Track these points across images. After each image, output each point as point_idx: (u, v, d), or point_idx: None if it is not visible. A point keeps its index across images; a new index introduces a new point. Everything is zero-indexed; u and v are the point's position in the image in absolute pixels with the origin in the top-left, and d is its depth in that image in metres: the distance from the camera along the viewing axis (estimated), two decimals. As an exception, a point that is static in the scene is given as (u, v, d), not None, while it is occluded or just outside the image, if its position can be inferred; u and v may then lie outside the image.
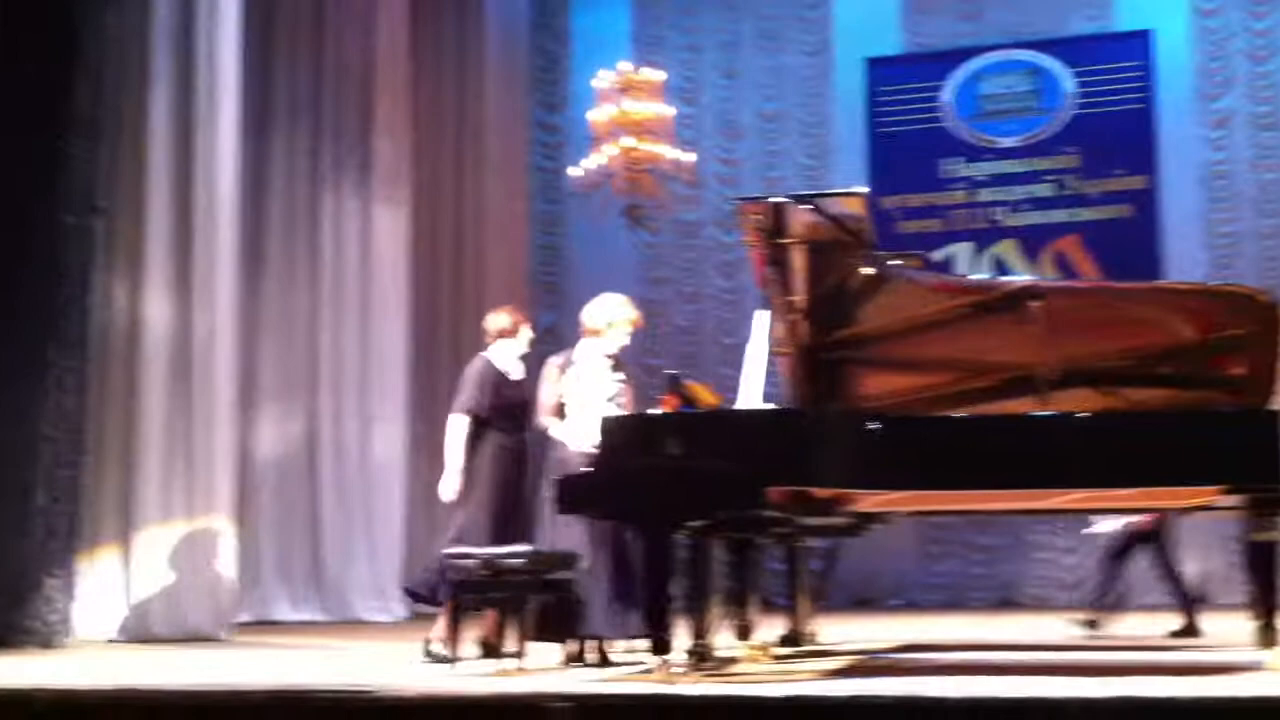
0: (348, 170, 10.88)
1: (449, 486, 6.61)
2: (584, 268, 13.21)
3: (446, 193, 12.26)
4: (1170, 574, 8.18)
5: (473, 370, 6.81)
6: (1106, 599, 8.21)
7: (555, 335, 13.32)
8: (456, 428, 6.66)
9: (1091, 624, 8.04)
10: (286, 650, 7.47)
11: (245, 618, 9.43)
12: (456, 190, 12.32)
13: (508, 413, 6.71)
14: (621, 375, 6.46)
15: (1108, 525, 8.20)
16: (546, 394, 6.48)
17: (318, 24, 10.83)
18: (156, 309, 8.52)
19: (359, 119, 10.96)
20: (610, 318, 6.44)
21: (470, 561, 5.93)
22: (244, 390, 9.79)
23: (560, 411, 6.43)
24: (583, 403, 6.34)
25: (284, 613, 10.12)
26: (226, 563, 8.49)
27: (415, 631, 8.66)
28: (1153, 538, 8.11)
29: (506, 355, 6.86)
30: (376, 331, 10.86)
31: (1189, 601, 8.02)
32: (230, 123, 8.89)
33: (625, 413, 6.19)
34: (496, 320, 6.96)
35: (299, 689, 4.97)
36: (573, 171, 11.46)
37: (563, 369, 6.49)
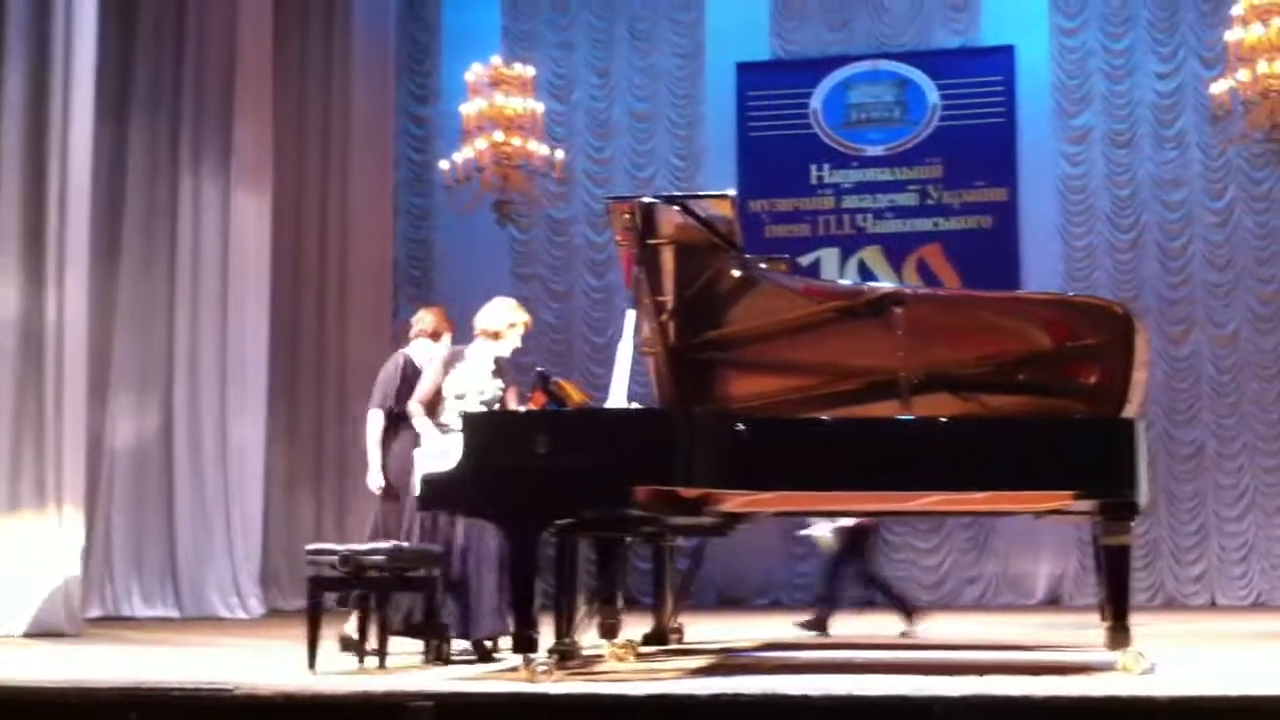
0: (208, 157, 10.65)
1: (372, 480, 6.74)
2: (452, 262, 13.12)
3: (311, 182, 12.07)
4: (868, 574, 8.47)
5: (388, 366, 6.92)
6: (829, 599, 8.37)
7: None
8: (372, 423, 6.80)
9: (814, 624, 8.19)
10: (140, 646, 7.29)
11: (96, 613, 9.19)
12: (321, 180, 12.14)
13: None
14: (500, 381, 6.43)
15: (824, 528, 8.37)
16: (426, 383, 6.47)
17: (179, 8, 10.58)
18: (5, 295, 8.25)
19: (220, 106, 10.73)
20: (509, 320, 6.47)
21: (329, 558, 5.86)
22: (98, 379, 9.54)
23: (434, 405, 6.41)
24: (460, 402, 6.30)
25: (137, 609, 9.87)
26: (76, 556, 8.25)
27: (272, 629, 8.56)
28: (861, 539, 8.33)
29: (424, 354, 6.87)
30: (236, 321, 10.64)
31: (893, 597, 8.41)
32: (86, 107, 8.63)
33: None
34: (422, 320, 7.09)
35: (154, 686, 4.85)
36: (443, 165, 11.37)
37: (449, 365, 6.46)
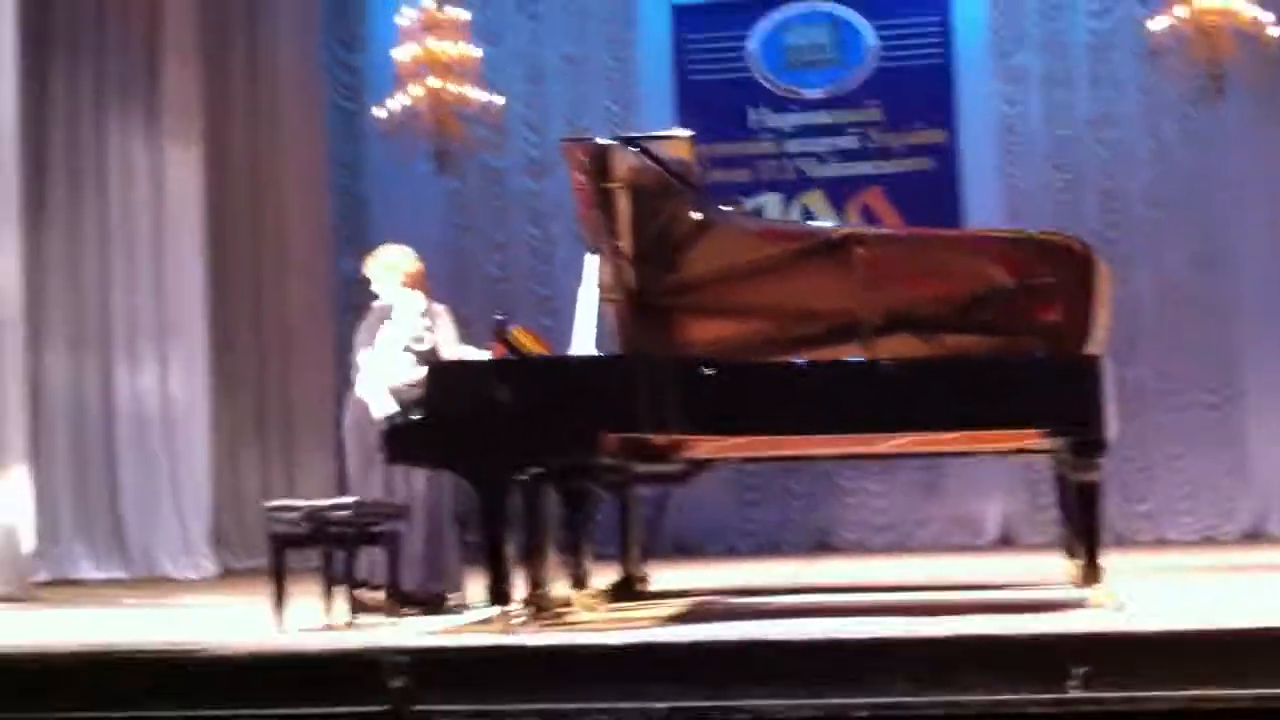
0: (135, 108, 10.37)
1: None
2: (387, 214, 12.87)
3: (240, 132, 11.76)
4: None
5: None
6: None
7: (359, 282, 13.01)
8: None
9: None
10: (95, 608, 7.14)
11: (43, 576, 8.99)
12: (251, 129, 11.84)
13: None
14: (427, 323, 6.37)
15: None
16: (362, 337, 6.49)
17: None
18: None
19: (145, 53, 10.43)
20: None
21: (292, 514, 5.74)
22: (31, 337, 9.28)
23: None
24: (387, 350, 6.35)
25: (84, 571, 9.68)
26: (23, 517, 8.06)
27: (228, 589, 8.42)
28: None
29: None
30: (174, 274, 10.39)
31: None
32: (8, 46, 8.36)
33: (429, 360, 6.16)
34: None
35: (118, 648, 4.73)
36: (377, 112, 11.13)
37: (381, 316, 6.40)
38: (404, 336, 6.37)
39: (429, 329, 6.41)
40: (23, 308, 8.48)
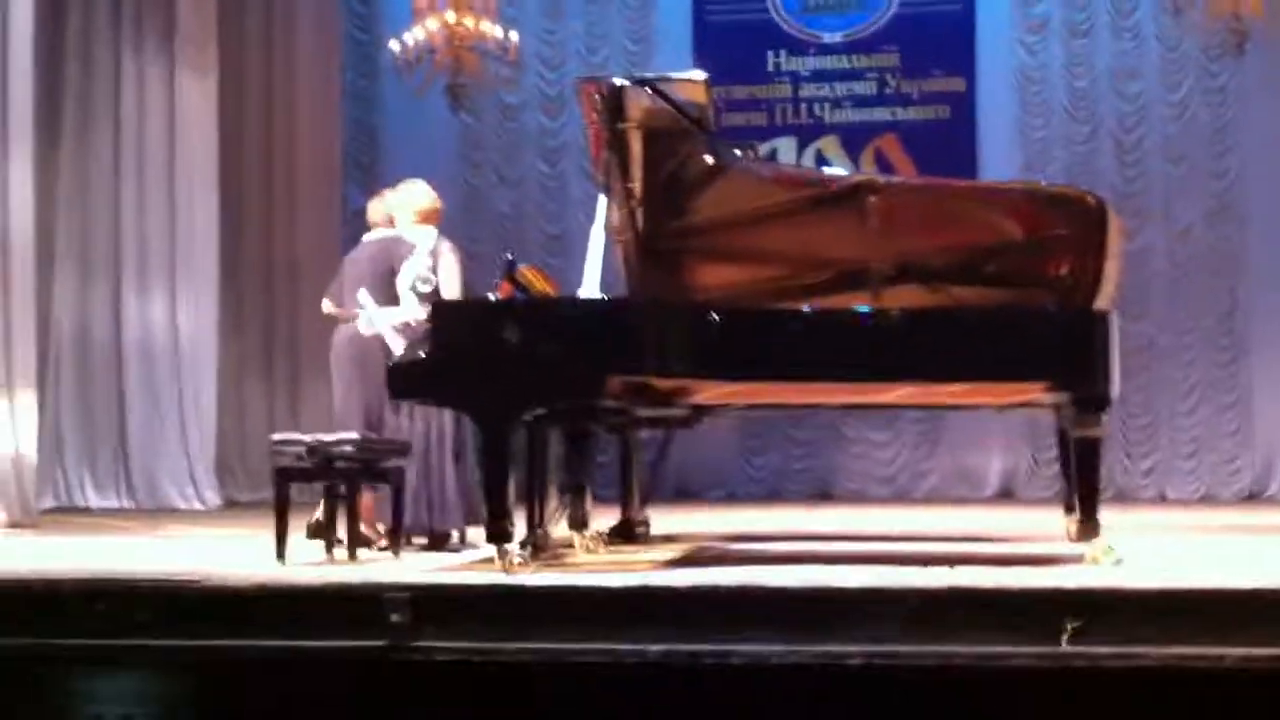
0: (149, 34, 10.33)
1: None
2: (400, 148, 12.84)
3: (255, 62, 11.74)
4: None
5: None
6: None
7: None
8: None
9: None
10: (99, 536, 7.20)
11: (49, 503, 9.06)
12: (265, 60, 11.81)
13: None
14: (429, 262, 6.39)
15: None
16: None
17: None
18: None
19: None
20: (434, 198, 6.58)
21: (296, 448, 5.77)
22: (42, 263, 9.30)
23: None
24: (412, 294, 6.40)
25: (90, 499, 9.75)
26: (29, 443, 8.11)
27: (232, 520, 8.48)
28: None
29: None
30: (184, 205, 10.40)
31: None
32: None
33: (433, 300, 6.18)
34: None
35: (121, 576, 4.77)
36: (393, 46, 11.07)
37: (401, 258, 6.54)
38: (410, 275, 6.37)
39: (432, 269, 6.39)
40: (34, 236, 8.49)
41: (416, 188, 6.66)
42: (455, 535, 6.29)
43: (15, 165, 8.15)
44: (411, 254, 6.45)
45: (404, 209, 6.57)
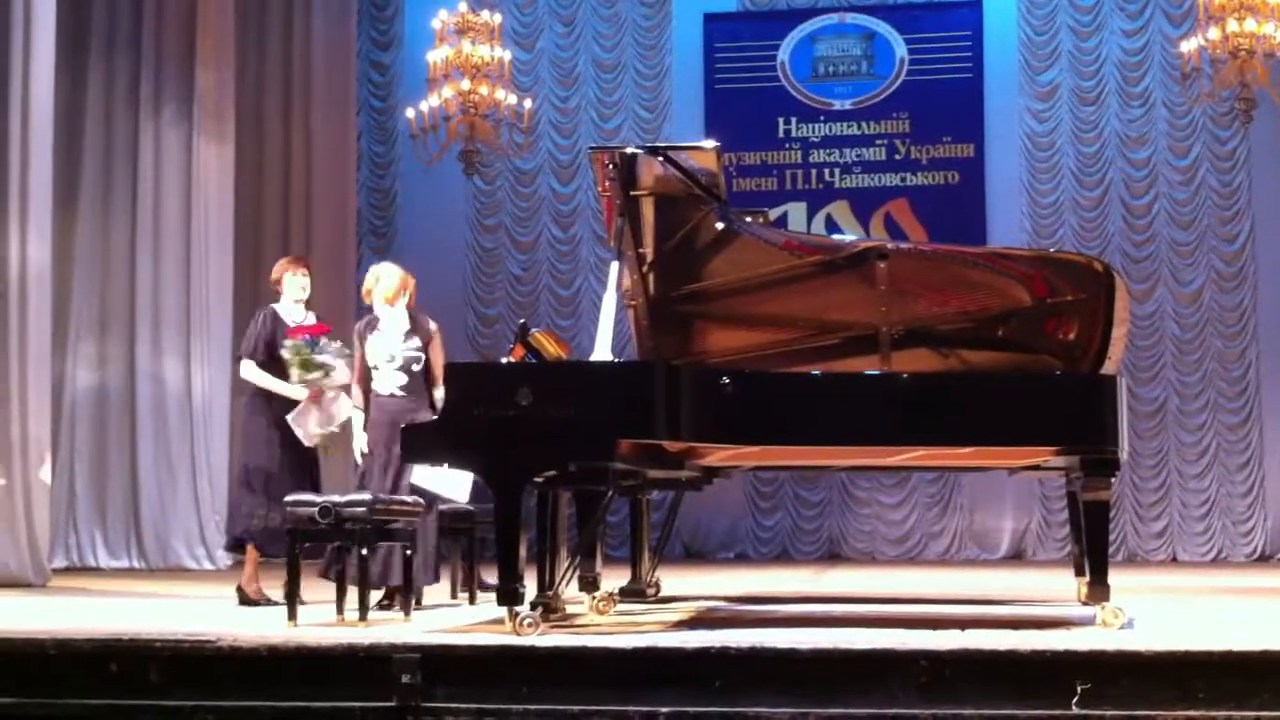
0: (168, 102, 10.49)
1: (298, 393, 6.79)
2: (415, 212, 13.00)
3: (273, 129, 11.92)
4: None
5: (259, 318, 7.05)
6: None
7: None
8: (252, 369, 6.92)
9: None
10: (111, 598, 7.21)
11: (60, 563, 9.08)
12: (284, 126, 11.99)
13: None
14: (416, 341, 6.61)
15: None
16: (354, 364, 6.74)
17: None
18: (-34, 239, 8.10)
19: (180, 50, 10.56)
20: (403, 280, 6.74)
21: (309, 509, 5.79)
22: (58, 326, 9.40)
23: (365, 376, 6.66)
24: (378, 371, 6.61)
25: (101, 559, 9.78)
26: (42, 505, 8.15)
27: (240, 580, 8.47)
28: None
29: (287, 305, 7.04)
30: (199, 270, 10.51)
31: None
32: (47, 44, 8.48)
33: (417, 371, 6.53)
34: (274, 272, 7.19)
35: (135, 636, 4.79)
36: (409, 113, 11.23)
37: (363, 335, 6.69)
38: (380, 351, 6.51)
39: (405, 345, 6.53)
40: (51, 299, 8.57)
41: (382, 269, 6.80)
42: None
43: (33, 230, 8.26)
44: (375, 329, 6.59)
45: (373, 289, 6.70)
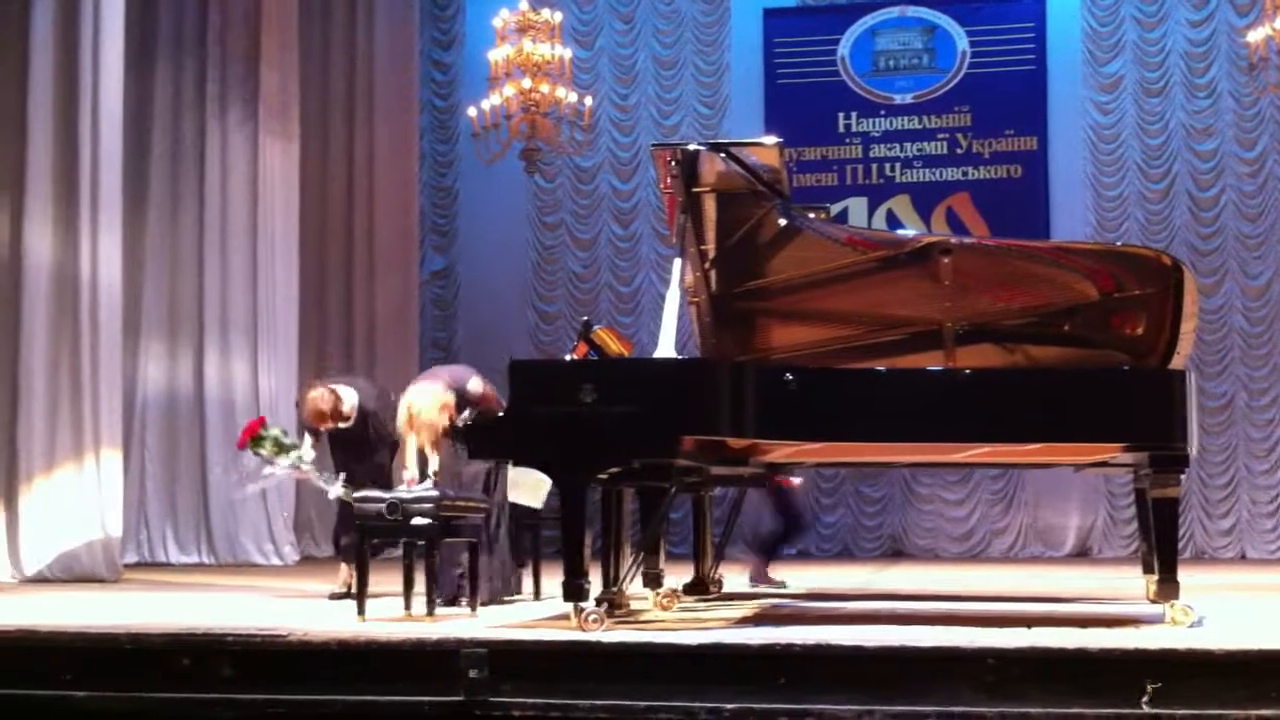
0: (234, 103, 10.60)
1: None
2: (476, 210, 13.08)
3: (336, 128, 12.03)
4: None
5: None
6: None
7: (446, 277, 13.21)
8: None
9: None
10: (182, 592, 7.32)
11: (131, 559, 9.22)
12: (347, 126, 12.10)
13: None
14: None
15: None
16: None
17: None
18: (39, 242, 8.23)
19: (245, 50, 10.67)
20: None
21: (377, 506, 5.85)
22: (129, 327, 9.54)
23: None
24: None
25: (172, 555, 9.92)
26: (114, 502, 8.28)
27: (309, 576, 8.59)
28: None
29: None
30: (266, 270, 10.62)
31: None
32: (116, 47, 8.61)
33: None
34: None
35: (207, 631, 4.87)
36: (470, 112, 11.29)
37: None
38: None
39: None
40: (121, 301, 8.70)
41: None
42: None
43: (104, 231, 8.39)
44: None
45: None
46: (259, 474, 7.09)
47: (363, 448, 7.01)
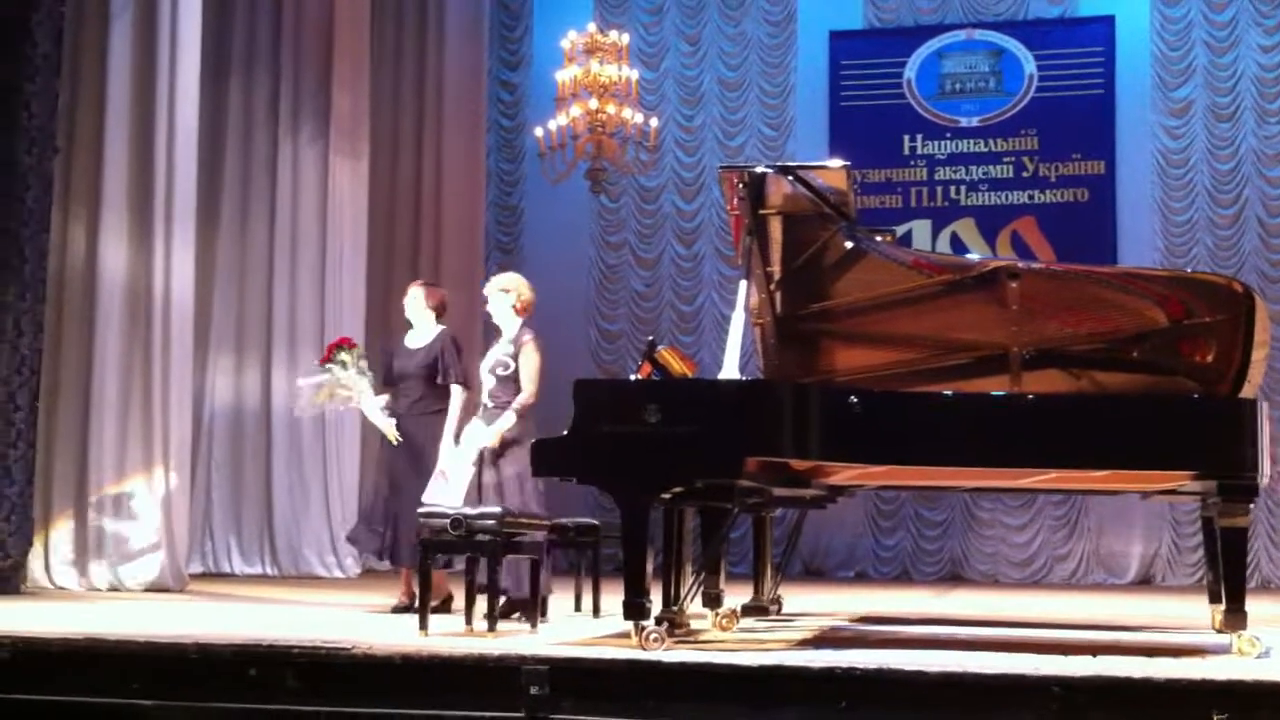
0: (306, 122, 10.73)
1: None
2: (541, 229, 13.16)
3: (405, 147, 12.15)
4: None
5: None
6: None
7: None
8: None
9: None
10: (246, 604, 7.40)
11: (196, 569, 9.32)
12: (415, 145, 12.21)
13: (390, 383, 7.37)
14: (510, 349, 6.77)
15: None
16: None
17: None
18: (114, 256, 8.37)
19: (317, 70, 10.80)
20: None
21: (441, 521, 5.90)
22: (198, 340, 9.66)
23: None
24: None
25: (236, 566, 10.03)
26: (181, 514, 8.39)
27: (371, 588, 8.66)
28: None
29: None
30: (333, 286, 10.73)
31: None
32: (192, 65, 8.75)
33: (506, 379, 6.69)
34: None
35: (273, 643, 4.92)
36: (537, 132, 11.38)
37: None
38: (492, 359, 6.80)
39: (514, 355, 6.62)
40: (193, 316, 8.83)
41: (522, 279, 6.92)
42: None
43: (178, 249, 8.52)
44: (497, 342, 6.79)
45: (510, 297, 6.78)
46: (317, 373, 7.33)
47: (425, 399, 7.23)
